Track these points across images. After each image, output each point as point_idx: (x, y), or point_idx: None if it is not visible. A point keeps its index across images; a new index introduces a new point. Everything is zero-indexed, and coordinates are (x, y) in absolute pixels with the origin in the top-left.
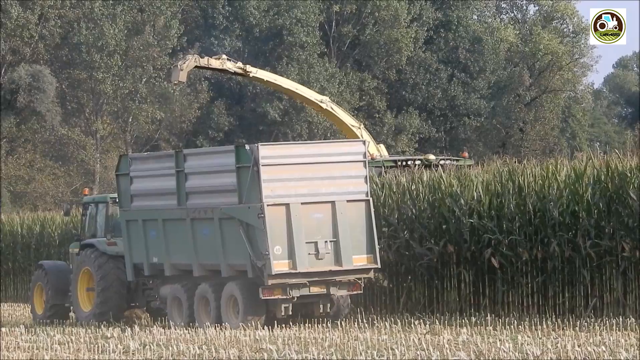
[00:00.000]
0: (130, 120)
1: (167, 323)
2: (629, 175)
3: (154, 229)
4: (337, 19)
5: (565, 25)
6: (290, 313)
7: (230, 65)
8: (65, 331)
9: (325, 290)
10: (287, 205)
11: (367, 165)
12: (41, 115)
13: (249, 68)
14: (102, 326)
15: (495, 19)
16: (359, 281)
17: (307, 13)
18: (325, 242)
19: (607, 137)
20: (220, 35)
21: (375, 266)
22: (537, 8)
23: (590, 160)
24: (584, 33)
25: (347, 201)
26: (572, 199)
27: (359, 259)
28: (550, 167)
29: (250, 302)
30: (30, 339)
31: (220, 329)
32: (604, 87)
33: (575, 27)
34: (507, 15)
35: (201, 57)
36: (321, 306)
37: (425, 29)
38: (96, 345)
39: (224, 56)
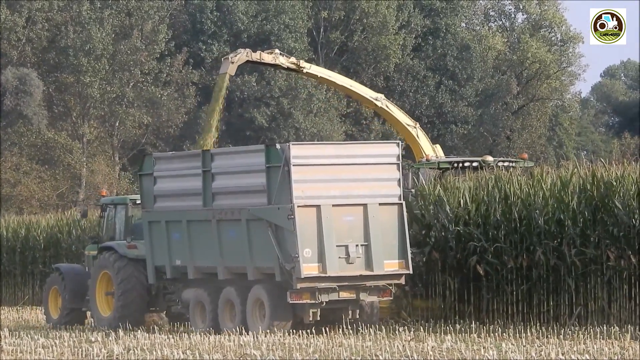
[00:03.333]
0: (117, 124)
1: (186, 328)
2: (615, 184)
3: (177, 230)
4: (325, 25)
5: (553, 34)
6: (318, 318)
7: (283, 61)
8: (49, 335)
9: (354, 295)
10: (317, 207)
11: (400, 167)
12: (28, 118)
13: (302, 63)
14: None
15: (483, 26)
16: (390, 287)
17: (295, 19)
18: (356, 245)
19: (594, 145)
20: (209, 40)
21: (407, 272)
22: (525, 16)
23: (576, 169)
24: (572, 41)
25: (380, 204)
26: (558, 207)
27: (390, 264)
28: (536, 175)
29: (277, 307)
30: (14, 342)
31: (215, 334)
32: (592, 96)
33: (564, 35)
34: (495, 23)
35: (253, 52)
36: (350, 312)
37: (414, 36)
38: (80, 349)
39: (277, 51)
